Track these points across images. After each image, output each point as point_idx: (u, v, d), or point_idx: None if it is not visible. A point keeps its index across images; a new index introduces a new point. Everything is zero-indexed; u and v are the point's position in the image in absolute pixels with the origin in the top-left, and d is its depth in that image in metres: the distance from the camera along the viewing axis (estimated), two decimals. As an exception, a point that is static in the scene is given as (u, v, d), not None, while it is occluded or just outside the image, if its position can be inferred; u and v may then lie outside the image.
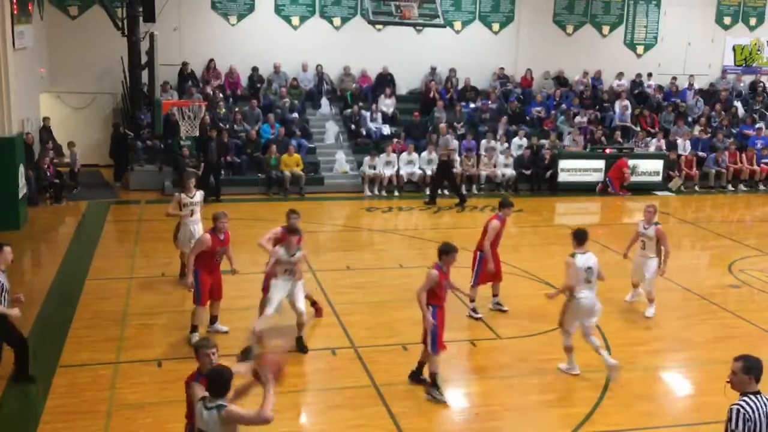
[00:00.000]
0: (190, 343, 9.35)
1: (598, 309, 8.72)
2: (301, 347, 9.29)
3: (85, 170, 20.04)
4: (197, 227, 11.57)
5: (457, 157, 19.29)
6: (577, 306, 8.58)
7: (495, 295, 10.99)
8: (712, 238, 16.02)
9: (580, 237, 8.66)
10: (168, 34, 19.63)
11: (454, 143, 18.94)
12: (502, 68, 23.26)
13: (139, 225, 15.58)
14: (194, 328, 9.53)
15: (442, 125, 19.39)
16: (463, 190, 18.82)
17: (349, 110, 21.14)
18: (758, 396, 5.06)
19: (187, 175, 12.81)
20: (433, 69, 22.55)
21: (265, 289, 9.45)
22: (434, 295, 8.06)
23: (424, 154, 19.67)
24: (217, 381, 5.24)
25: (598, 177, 20.26)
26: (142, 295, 11.27)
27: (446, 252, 8.14)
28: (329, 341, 9.76)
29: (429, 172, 19.47)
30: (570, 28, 24.04)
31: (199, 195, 11.84)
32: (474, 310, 10.61)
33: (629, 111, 22.55)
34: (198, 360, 5.75)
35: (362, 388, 8.48)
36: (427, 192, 19.35)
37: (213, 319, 9.94)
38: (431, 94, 21.70)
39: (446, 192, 18.84)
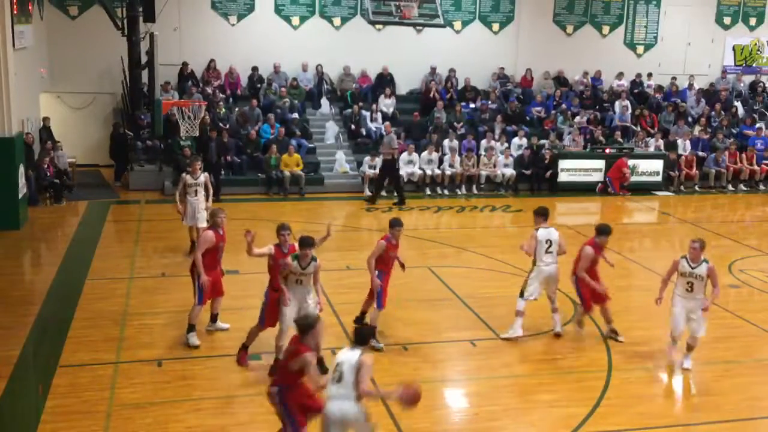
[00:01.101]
0: (187, 343, 9.36)
1: (557, 276, 10.02)
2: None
3: (85, 170, 20.09)
4: (200, 206, 12.78)
5: (407, 156, 19.20)
6: (539, 272, 9.89)
7: (608, 322, 10.12)
8: (712, 238, 15.99)
9: (543, 213, 10.08)
10: (168, 34, 19.64)
11: (396, 143, 18.51)
12: (502, 68, 23.26)
13: (139, 225, 15.58)
14: (191, 327, 9.46)
15: (387, 123, 19.11)
16: (401, 191, 18.23)
17: (349, 110, 21.14)
18: None
19: (194, 158, 13.77)
20: (433, 69, 22.56)
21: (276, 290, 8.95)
22: (382, 262, 9.63)
23: (424, 154, 19.66)
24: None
25: (598, 177, 20.26)
26: (142, 295, 11.27)
27: (393, 225, 9.69)
28: (329, 341, 9.72)
29: (429, 172, 19.48)
30: (570, 28, 24.04)
31: (203, 176, 12.99)
32: (614, 331, 10.08)
33: (629, 111, 22.55)
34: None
35: (362, 388, 8.47)
36: (427, 192, 19.38)
37: (214, 317, 9.95)
38: (431, 94, 21.70)
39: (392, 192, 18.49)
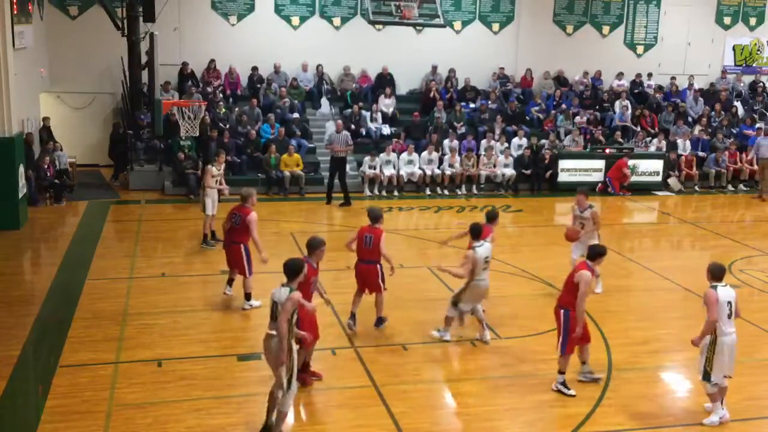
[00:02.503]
0: (251, 306, 10.66)
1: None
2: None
3: (85, 170, 20.08)
4: (216, 194, 13.56)
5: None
6: (477, 287, 9.53)
7: (584, 363, 8.83)
8: (712, 238, 16.02)
9: (476, 232, 9.61)
10: (168, 34, 19.64)
11: (351, 141, 18.39)
12: (502, 68, 23.26)
13: (139, 225, 15.58)
14: (248, 296, 10.68)
15: (339, 122, 18.74)
16: (347, 191, 17.93)
17: (349, 110, 21.14)
18: None
19: (219, 151, 14.61)
20: (434, 68, 22.55)
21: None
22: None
23: (424, 154, 19.67)
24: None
25: (598, 177, 20.25)
26: (142, 295, 11.26)
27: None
28: (329, 341, 9.75)
29: (429, 172, 19.48)
30: (570, 28, 24.04)
31: (223, 167, 13.94)
32: (564, 384, 8.49)
33: (629, 111, 22.54)
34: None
35: (362, 388, 8.48)
36: (427, 192, 19.40)
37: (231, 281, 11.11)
38: (431, 94, 21.70)
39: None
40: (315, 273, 8.43)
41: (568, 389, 8.44)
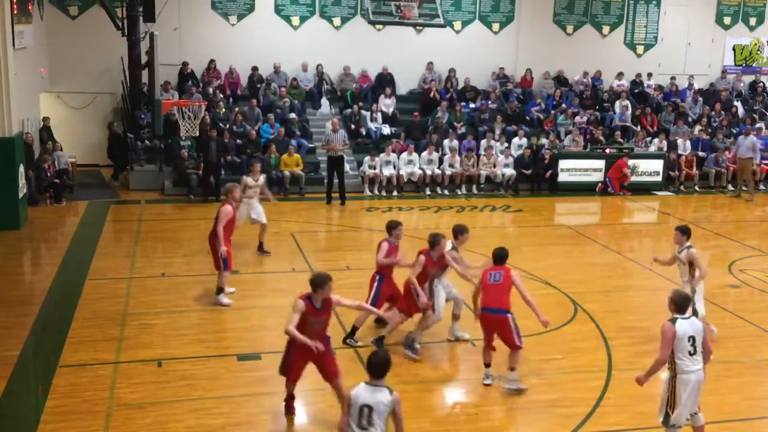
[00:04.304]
0: (218, 303, 10.71)
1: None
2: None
3: (85, 170, 20.09)
4: (257, 205, 13.46)
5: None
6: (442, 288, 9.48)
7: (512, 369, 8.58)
8: (712, 238, 16.02)
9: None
10: (168, 34, 19.65)
11: (347, 140, 18.50)
12: (502, 68, 23.27)
13: (139, 225, 15.58)
14: (219, 290, 10.80)
15: (335, 120, 18.81)
16: (343, 190, 18.00)
17: (349, 110, 21.14)
18: None
19: (254, 161, 14.87)
20: (431, 65, 22.51)
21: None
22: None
23: (424, 154, 19.67)
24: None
25: (598, 177, 20.26)
26: (142, 295, 11.26)
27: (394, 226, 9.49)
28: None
29: (429, 172, 19.48)
30: (570, 28, 24.05)
31: (262, 178, 13.76)
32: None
33: (629, 111, 22.55)
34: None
35: (362, 388, 8.46)
36: (427, 192, 19.38)
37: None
38: (432, 94, 21.70)
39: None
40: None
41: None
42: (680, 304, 6.86)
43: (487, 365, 8.62)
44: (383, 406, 5.72)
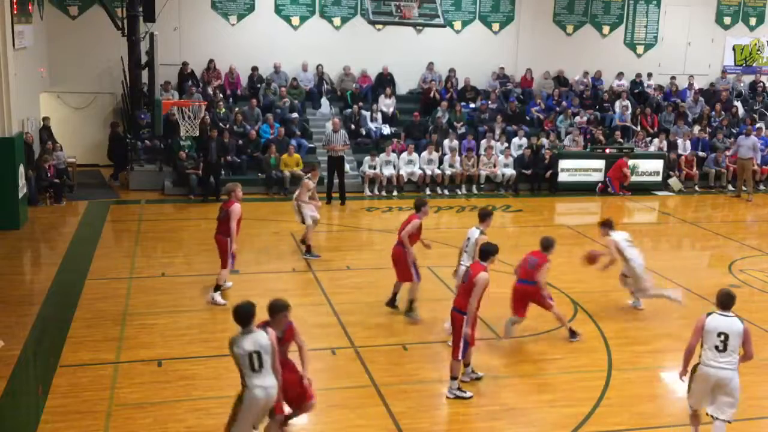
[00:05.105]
0: (212, 301, 10.84)
1: None
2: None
3: (85, 170, 20.08)
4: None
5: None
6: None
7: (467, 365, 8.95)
8: (712, 238, 16.03)
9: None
10: (168, 34, 19.65)
11: (348, 140, 18.53)
12: (502, 68, 23.26)
13: (139, 225, 15.58)
14: (217, 287, 10.93)
15: (336, 120, 18.78)
16: (344, 190, 18.12)
17: (349, 110, 21.14)
18: None
19: (314, 166, 14.58)
20: (431, 65, 22.51)
21: None
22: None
23: (424, 154, 19.67)
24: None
25: (598, 177, 20.26)
26: (142, 295, 11.27)
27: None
28: (329, 341, 9.76)
29: (429, 172, 19.48)
30: (570, 28, 24.04)
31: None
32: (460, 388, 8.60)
33: (629, 111, 22.55)
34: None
35: (362, 388, 8.49)
36: (427, 192, 19.38)
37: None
38: (432, 94, 21.70)
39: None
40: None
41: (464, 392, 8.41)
42: (721, 300, 7.17)
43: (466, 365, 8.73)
44: (267, 344, 6.43)
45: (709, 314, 7.12)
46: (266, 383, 6.38)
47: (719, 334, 6.98)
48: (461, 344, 8.22)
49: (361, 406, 8.09)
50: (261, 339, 6.40)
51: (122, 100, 20.52)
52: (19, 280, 12.38)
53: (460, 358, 8.30)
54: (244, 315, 6.45)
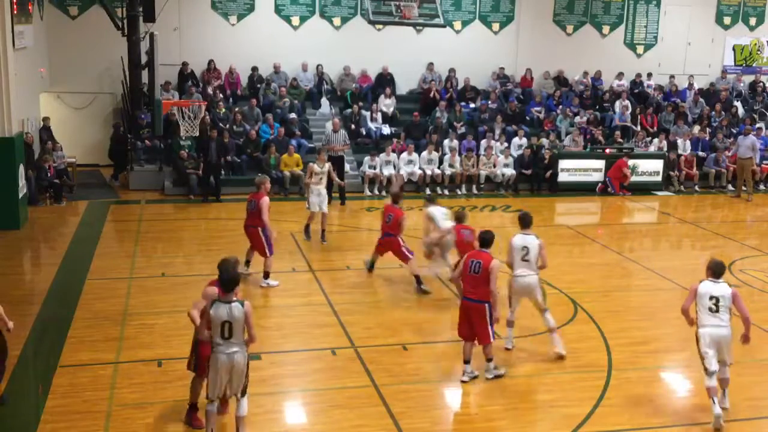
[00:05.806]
0: (268, 285, 11.57)
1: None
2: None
3: (85, 170, 20.08)
4: (323, 191, 14.00)
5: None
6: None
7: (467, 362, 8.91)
8: (712, 238, 16.03)
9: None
10: (168, 34, 19.62)
11: (348, 140, 18.58)
12: (502, 68, 23.26)
13: (139, 225, 15.58)
14: (266, 275, 11.58)
15: (336, 120, 18.78)
16: (343, 191, 17.82)
17: (349, 110, 21.14)
18: None
19: (321, 149, 15.12)
20: (431, 65, 22.50)
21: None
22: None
23: (424, 154, 19.67)
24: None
25: (598, 177, 20.25)
26: (142, 295, 11.26)
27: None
28: (329, 341, 9.76)
29: (429, 172, 19.47)
30: (570, 28, 24.04)
31: (327, 165, 14.14)
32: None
33: (629, 111, 22.54)
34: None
35: (362, 388, 8.48)
36: (427, 192, 19.38)
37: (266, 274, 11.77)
38: (431, 94, 21.70)
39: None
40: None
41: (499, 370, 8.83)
42: (712, 269, 8.02)
43: (467, 362, 8.76)
44: (240, 317, 6.79)
45: (701, 281, 7.97)
46: (230, 350, 6.85)
47: (711, 298, 7.87)
48: (489, 329, 8.58)
49: (361, 406, 8.08)
50: (236, 311, 6.79)
51: (122, 100, 20.51)
52: (19, 280, 12.38)
53: (492, 339, 8.64)
54: (229, 282, 6.84)
